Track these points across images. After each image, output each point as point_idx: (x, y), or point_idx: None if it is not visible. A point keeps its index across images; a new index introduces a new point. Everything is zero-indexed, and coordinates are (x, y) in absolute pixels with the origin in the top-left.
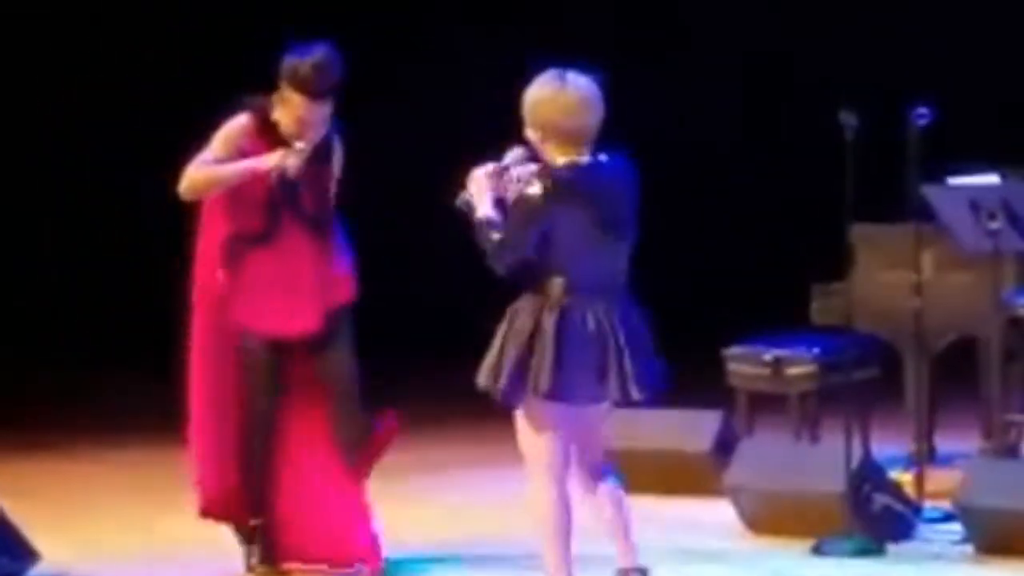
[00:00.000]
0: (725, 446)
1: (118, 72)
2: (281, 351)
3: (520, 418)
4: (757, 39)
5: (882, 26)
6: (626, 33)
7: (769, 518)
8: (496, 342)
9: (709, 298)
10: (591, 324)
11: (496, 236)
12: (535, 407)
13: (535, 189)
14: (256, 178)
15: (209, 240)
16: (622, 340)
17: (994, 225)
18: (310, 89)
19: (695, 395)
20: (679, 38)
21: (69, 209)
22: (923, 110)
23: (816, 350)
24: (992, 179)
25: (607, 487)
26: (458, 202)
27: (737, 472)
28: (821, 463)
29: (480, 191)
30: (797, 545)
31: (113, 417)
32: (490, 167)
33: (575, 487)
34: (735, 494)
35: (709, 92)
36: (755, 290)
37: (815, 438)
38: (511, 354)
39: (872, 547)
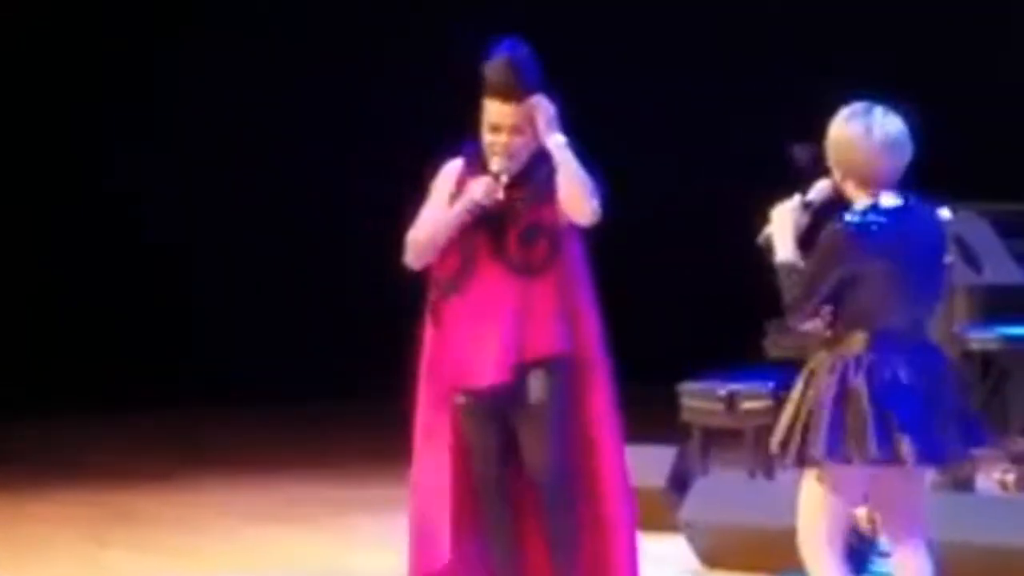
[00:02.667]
0: (680, 482)
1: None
2: (508, 407)
3: (809, 488)
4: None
5: (821, 59)
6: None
7: (724, 553)
8: (791, 406)
9: (664, 333)
10: (904, 380)
11: (798, 285)
12: (837, 475)
13: (832, 237)
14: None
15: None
16: (939, 395)
17: (946, 259)
18: (493, 89)
19: (650, 431)
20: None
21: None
22: None
23: (770, 384)
24: (943, 213)
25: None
26: (760, 239)
27: (692, 507)
28: (776, 498)
29: (784, 228)
30: None
31: (65, 456)
32: (795, 201)
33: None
34: (690, 529)
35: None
36: (710, 325)
37: (770, 473)
38: (814, 418)
39: None
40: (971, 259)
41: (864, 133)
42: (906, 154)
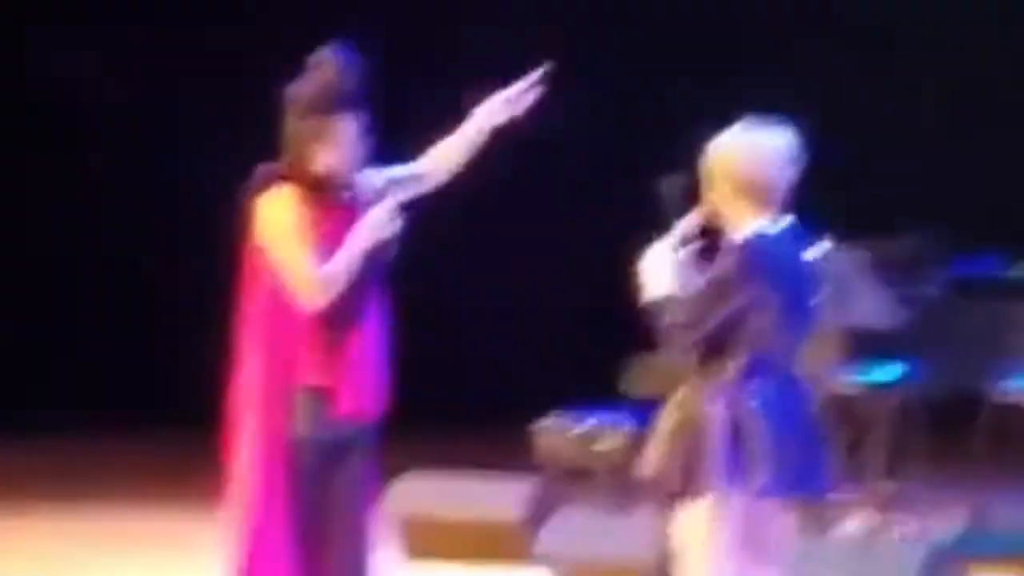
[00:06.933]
0: (537, 515)
1: None
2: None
3: (693, 515)
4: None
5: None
6: None
7: None
8: (666, 437)
9: (521, 369)
10: (782, 409)
11: (681, 316)
12: (731, 503)
13: (729, 263)
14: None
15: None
16: (813, 426)
17: (819, 289)
18: (351, 100)
19: (508, 463)
20: None
21: None
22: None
23: (626, 422)
24: (823, 244)
25: None
26: (647, 303)
27: (549, 541)
28: (632, 533)
29: (660, 269)
30: None
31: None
32: (670, 240)
33: None
34: (547, 562)
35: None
36: (570, 361)
37: (627, 510)
38: (700, 447)
39: None
40: (839, 297)
41: (763, 147)
42: (796, 171)
